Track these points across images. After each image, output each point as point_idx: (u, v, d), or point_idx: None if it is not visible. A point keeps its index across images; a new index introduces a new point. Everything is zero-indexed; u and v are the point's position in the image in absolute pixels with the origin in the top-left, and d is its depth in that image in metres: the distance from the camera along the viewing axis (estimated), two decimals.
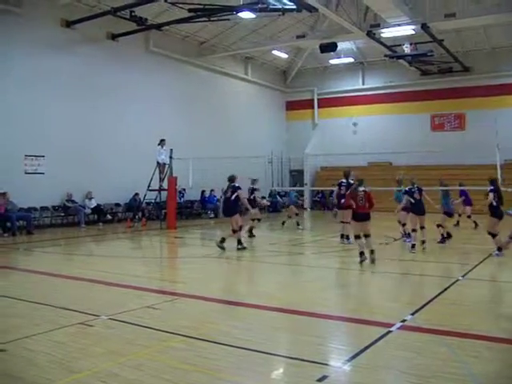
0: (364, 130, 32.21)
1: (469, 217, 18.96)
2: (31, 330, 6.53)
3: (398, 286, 10.09)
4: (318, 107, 34.82)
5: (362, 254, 11.49)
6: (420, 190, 13.92)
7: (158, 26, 22.48)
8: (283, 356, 5.71)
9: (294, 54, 33.03)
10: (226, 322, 7.00)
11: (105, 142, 21.91)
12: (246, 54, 30.71)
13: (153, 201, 22.37)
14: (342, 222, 14.99)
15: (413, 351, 5.73)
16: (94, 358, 5.52)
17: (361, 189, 11.80)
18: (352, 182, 14.38)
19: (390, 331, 6.42)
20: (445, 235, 14.93)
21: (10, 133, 18.53)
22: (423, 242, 13.64)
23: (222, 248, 13.58)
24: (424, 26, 21.98)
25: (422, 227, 13.74)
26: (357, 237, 11.74)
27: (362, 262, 11.42)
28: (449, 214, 15.29)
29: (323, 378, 4.95)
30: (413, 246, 13.46)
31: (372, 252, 11.44)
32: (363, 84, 33.52)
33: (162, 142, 20.53)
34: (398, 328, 6.56)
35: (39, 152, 19.53)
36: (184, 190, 23.97)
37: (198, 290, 9.40)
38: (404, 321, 6.87)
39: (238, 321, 7.12)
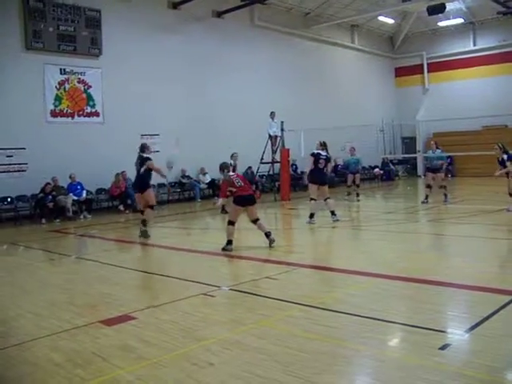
0: (476, 93, 30.54)
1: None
2: (158, 299, 6.89)
3: None
4: (428, 72, 33.39)
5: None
6: None
7: (262, 0, 22.45)
8: (404, 324, 5.59)
9: (400, 18, 31.87)
10: (343, 291, 7.00)
11: (215, 118, 22.36)
12: (351, 22, 30.03)
13: (266, 173, 22.63)
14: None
15: None
16: (217, 326, 5.72)
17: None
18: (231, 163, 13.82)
19: None
20: None
21: (128, 115, 19.51)
22: None
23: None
24: None
25: None
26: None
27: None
28: None
29: (445, 346, 4.83)
30: None
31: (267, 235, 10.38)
32: (474, 45, 31.66)
33: (272, 115, 20.68)
34: None
35: (154, 131, 20.31)
36: (295, 161, 24.07)
37: (314, 260, 9.47)
38: None
39: (355, 289, 7.07)
